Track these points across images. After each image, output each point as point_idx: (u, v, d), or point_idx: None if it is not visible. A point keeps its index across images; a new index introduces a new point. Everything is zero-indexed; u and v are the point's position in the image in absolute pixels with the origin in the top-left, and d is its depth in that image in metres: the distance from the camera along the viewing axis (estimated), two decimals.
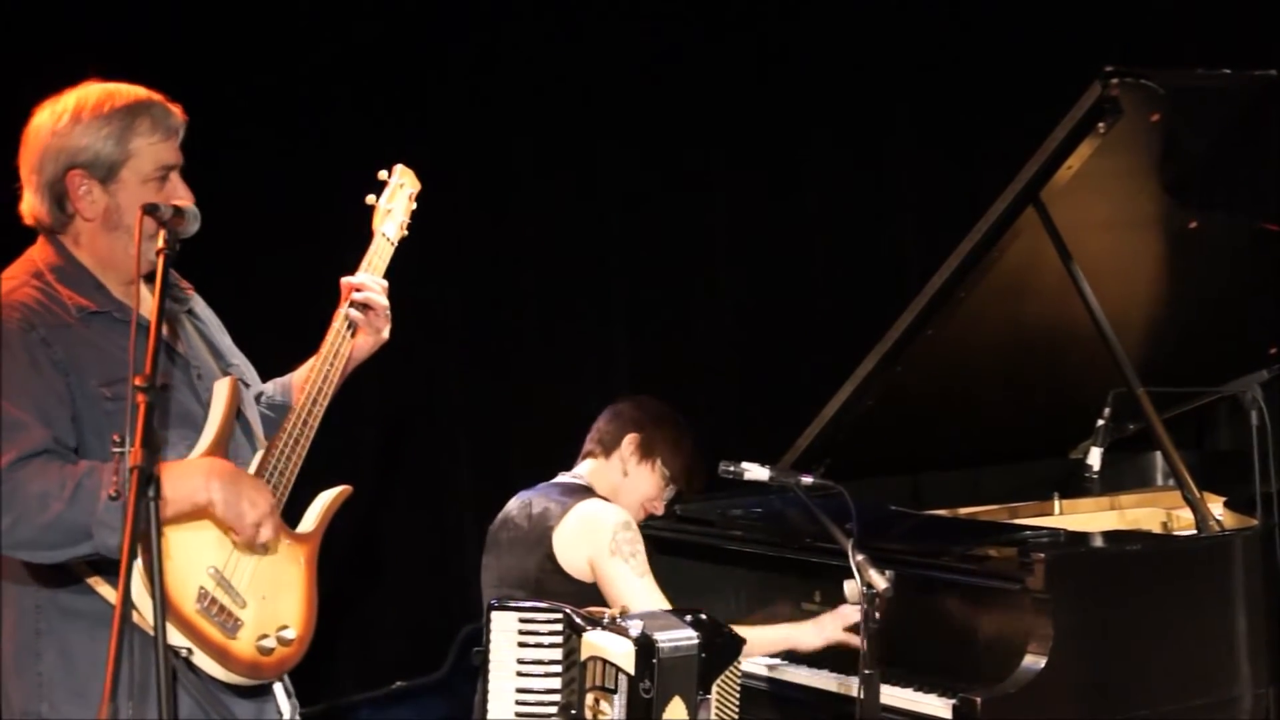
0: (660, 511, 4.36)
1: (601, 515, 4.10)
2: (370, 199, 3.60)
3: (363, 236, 3.57)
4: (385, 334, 3.51)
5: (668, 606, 3.96)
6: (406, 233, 3.62)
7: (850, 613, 3.96)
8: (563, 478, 4.30)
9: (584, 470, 4.29)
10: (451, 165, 3.69)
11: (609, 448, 4.27)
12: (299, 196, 5.43)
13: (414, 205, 3.66)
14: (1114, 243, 4.61)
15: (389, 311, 3.49)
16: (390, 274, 3.53)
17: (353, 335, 3.46)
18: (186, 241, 3.11)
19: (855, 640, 4.00)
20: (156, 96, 3.22)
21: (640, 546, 4.07)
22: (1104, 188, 4.39)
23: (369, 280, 3.47)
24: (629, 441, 4.25)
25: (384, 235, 3.56)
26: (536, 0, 5.95)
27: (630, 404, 4.35)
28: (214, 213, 3.18)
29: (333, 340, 3.42)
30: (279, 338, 3.63)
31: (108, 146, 3.14)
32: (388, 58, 5.67)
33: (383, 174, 3.64)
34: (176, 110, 3.23)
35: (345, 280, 3.48)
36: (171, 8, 5.16)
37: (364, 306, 3.46)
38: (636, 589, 3.99)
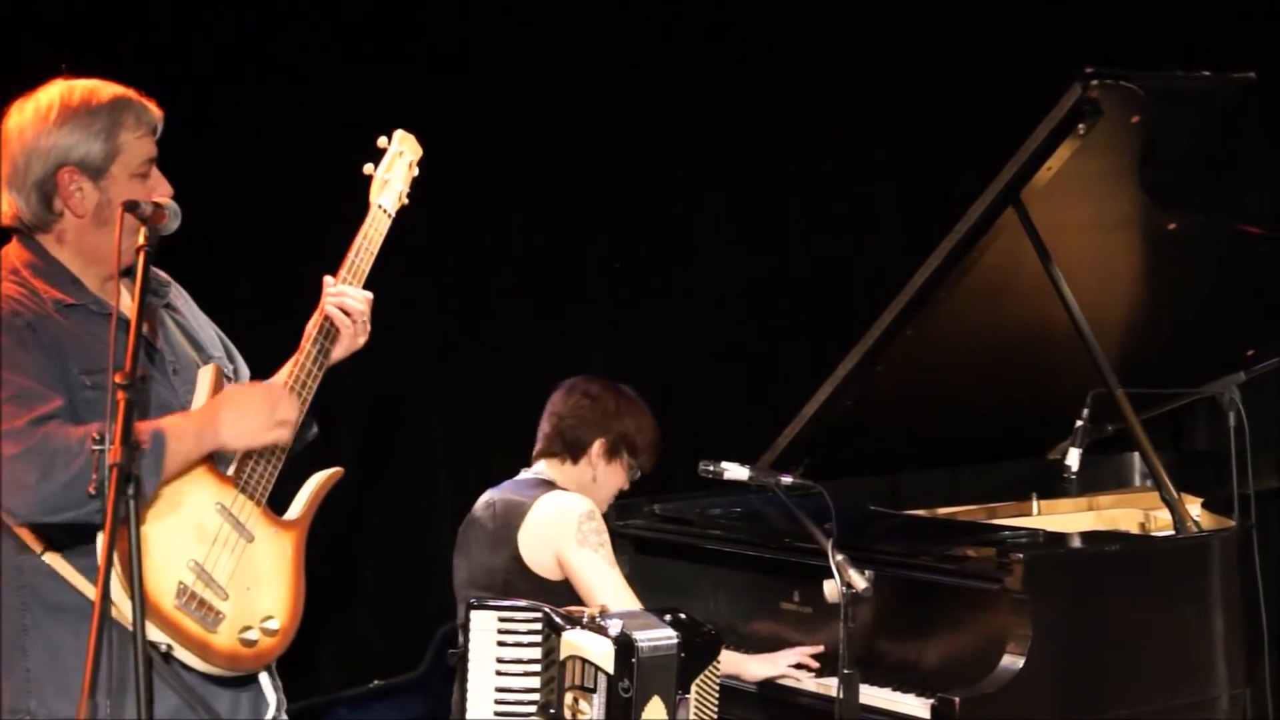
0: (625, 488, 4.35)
1: (565, 506, 4.07)
2: (368, 168, 3.51)
3: (360, 207, 3.49)
4: (361, 341, 3.46)
5: (634, 599, 3.97)
6: (406, 202, 3.53)
7: (800, 655, 4.06)
8: (526, 475, 4.26)
9: (548, 471, 4.24)
10: (432, 154, 3.64)
11: (576, 453, 4.22)
12: (287, 170, 5.42)
13: (415, 173, 3.56)
14: (1093, 244, 4.62)
15: (369, 321, 3.44)
16: (387, 247, 3.45)
17: (331, 343, 3.40)
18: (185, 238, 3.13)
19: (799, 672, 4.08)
20: (132, 92, 3.23)
21: (606, 537, 4.05)
22: (1084, 189, 4.40)
23: (350, 292, 3.40)
24: (597, 446, 4.21)
25: (380, 207, 3.48)
26: None
27: (584, 400, 4.24)
28: (201, 191, 3.16)
29: (310, 348, 3.36)
30: (267, 323, 3.60)
31: (98, 143, 3.14)
32: (375, 34, 5.66)
33: (382, 140, 3.54)
34: (152, 104, 3.23)
35: (328, 286, 3.42)
36: None
37: (343, 311, 3.42)
38: (606, 579, 3.98)
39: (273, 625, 3.19)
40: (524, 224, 5.99)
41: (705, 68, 6.13)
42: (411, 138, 3.60)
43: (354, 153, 3.55)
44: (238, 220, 5.43)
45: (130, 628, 2.86)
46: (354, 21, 5.68)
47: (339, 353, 3.43)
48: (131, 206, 3.04)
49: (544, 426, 4.28)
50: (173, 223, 3.11)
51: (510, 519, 4.10)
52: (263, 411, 3.17)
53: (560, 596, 3.94)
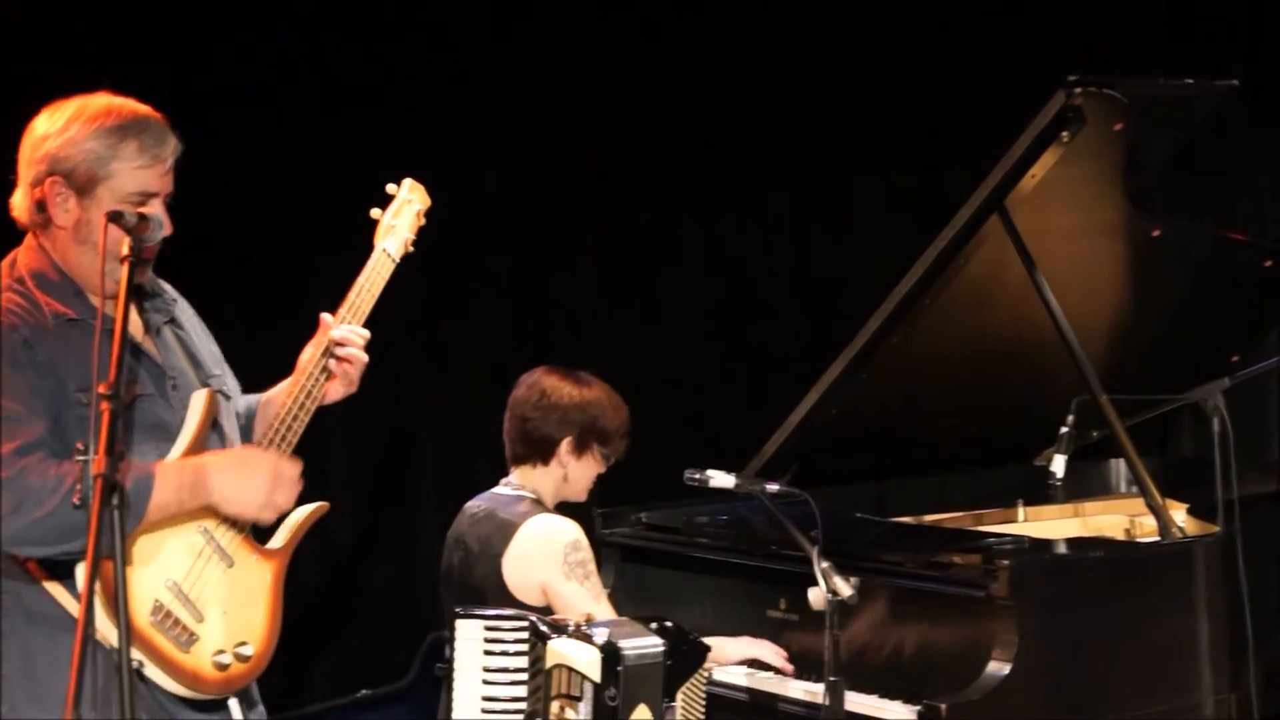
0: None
1: (551, 535, 4.01)
2: (374, 212, 3.57)
3: (365, 247, 3.54)
4: (357, 385, 3.48)
5: None
6: (412, 249, 3.58)
7: (776, 655, 4.06)
8: (505, 489, 4.20)
9: (524, 480, 4.19)
10: (418, 171, 3.67)
11: (545, 454, 4.15)
12: (291, 200, 5.43)
13: (422, 222, 3.62)
14: (1078, 251, 4.63)
15: (366, 363, 3.46)
16: (389, 291, 3.50)
17: (326, 381, 3.42)
18: (173, 246, 3.13)
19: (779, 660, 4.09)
20: (156, 118, 3.21)
21: (593, 566, 4.03)
22: (1068, 196, 4.41)
23: (351, 335, 3.43)
24: (565, 445, 4.14)
25: (385, 251, 3.53)
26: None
27: (539, 398, 4.15)
28: (210, 212, 3.16)
29: (305, 384, 3.38)
30: (268, 345, 3.61)
31: (88, 161, 3.14)
32: (364, 67, 5.68)
33: (391, 187, 3.61)
34: (173, 137, 3.21)
35: (327, 326, 3.44)
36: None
37: (342, 358, 3.43)
38: (593, 612, 3.91)
39: (246, 651, 3.19)
40: (506, 239, 5.99)
41: (689, 75, 6.13)
42: (421, 188, 3.65)
43: (346, 178, 3.59)
44: (247, 240, 5.46)
45: (104, 641, 2.87)
46: (348, 49, 5.72)
47: (336, 395, 3.46)
48: (115, 217, 3.04)
49: (509, 432, 4.21)
50: (156, 233, 3.11)
51: (495, 542, 4.05)
52: (262, 492, 3.16)
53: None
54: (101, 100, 3.19)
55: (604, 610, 3.96)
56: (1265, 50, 5.88)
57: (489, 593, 4.02)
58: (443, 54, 5.85)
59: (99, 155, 3.13)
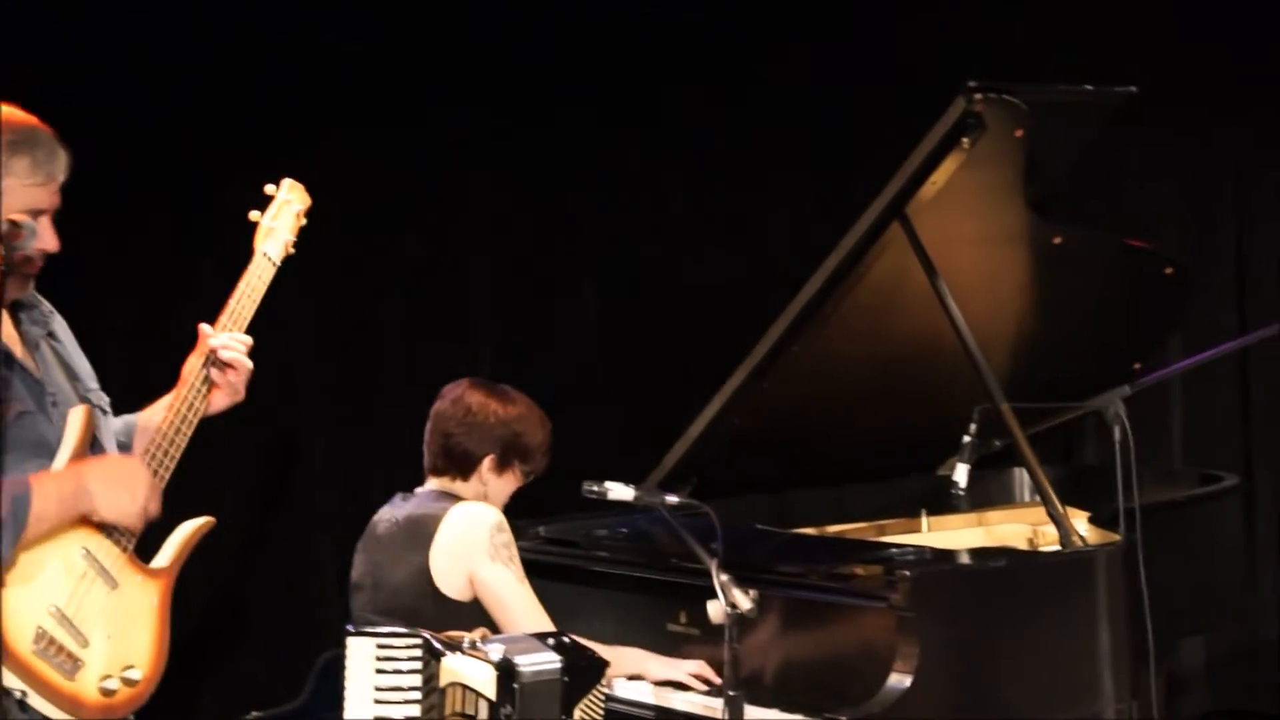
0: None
1: (477, 518, 4.01)
2: (254, 215, 3.51)
3: (245, 252, 3.48)
4: (243, 394, 3.42)
5: (544, 614, 3.95)
6: (293, 251, 3.53)
7: (702, 666, 4.03)
8: (422, 491, 4.19)
9: (442, 487, 4.17)
10: (315, 183, 3.63)
11: (465, 470, 4.15)
12: (165, 210, 5.35)
13: (303, 222, 3.57)
14: (980, 258, 4.63)
15: (251, 371, 3.40)
16: (271, 295, 3.44)
17: (209, 392, 3.36)
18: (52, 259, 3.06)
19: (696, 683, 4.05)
20: (47, 132, 3.13)
21: (515, 550, 4.02)
22: (969, 203, 4.41)
23: (232, 341, 3.37)
24: (487, 462, 4.14)
25: (265, 254, 3.48)
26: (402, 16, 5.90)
27: (463, 414, 4.13)
28: (79, 218, 3.09)
29: (187, 396, 3.32)
30: (146, 359, 3.55)
31: None
32: (266, 73, 5.60)
33: (269, 188, 3.55)
34: (64, 153, 3.14)
35: (207, 336, 3.38)
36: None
37: (225, 365, 3.36)
38: (517, 596, 3.96)
39: (134, 675, 3.13)
40: (403, 251, 5.94)
41: (589, 76, 6.10)
42: (300, 187, 3.59)
43: (223, 179, 3.53)
44: (118, 249, 5.35)
45: None
46: (238, 57, 5.63)
47: (220, 404, 3.41)
48: None
49: (429, 444, 4.19)
50: (29, 241, 3.02)
51: (419, 534, 4.03)
52: (140, 498, 3.13)
53: (464, 619, 3.87)
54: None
55: (528, 593, 3.97)
56: (1164, 58, 5.93)
57: (416, 589, 3.98)
58: (319, 53, 5.78)
59: None
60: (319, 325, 5.77)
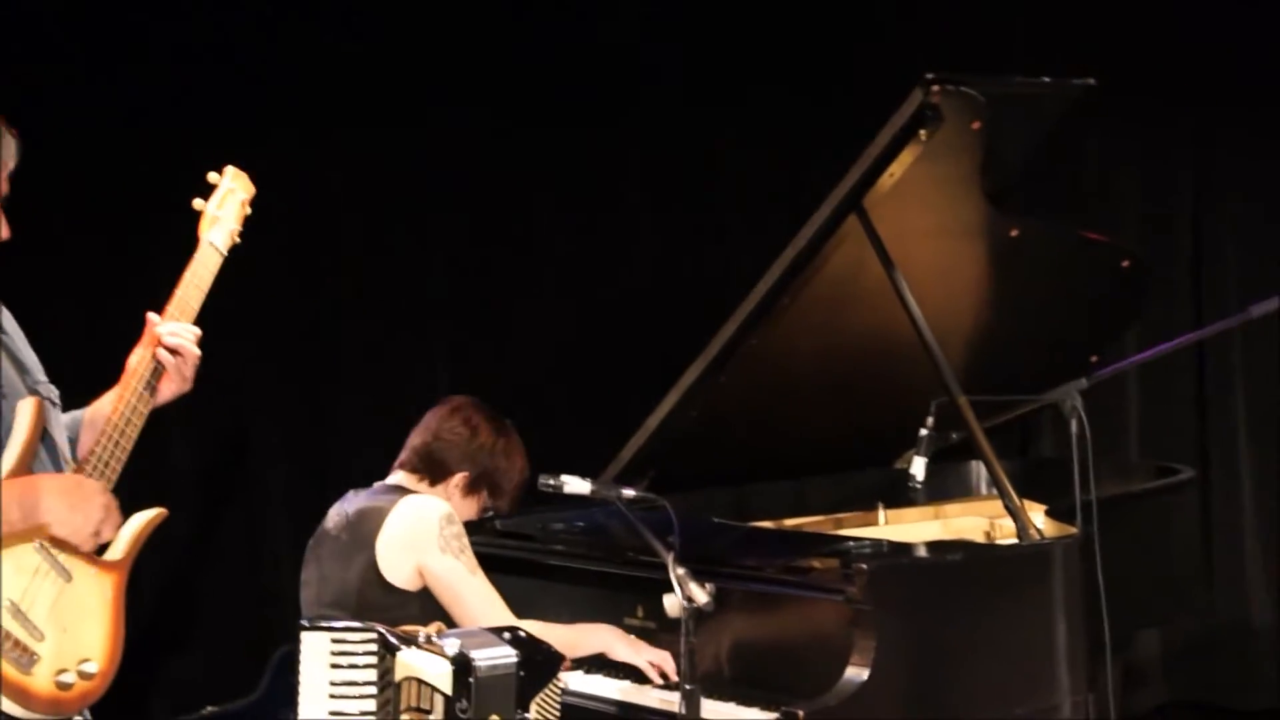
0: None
1: (425, 510, 4.00)
2: (198, 203, 3.46)
3: (191, 241, 3.43)
4: (191, 383, 3.38)
5: (501, 604, 3.93)
6: (239, 240, 3.49)
7: (665, 665, 4.02)
8: (379, 484, 4.18)
9: (404, 482, 4.15)
10: (269, 180, 3.60)
11: (436, 476, 4.14)
12: (116, 196, 5.30)
13: (248, 211, 3.52)
14: (937, 251, 4.62)
15: (199, 359, 3.37)
16: (218, 286, 3.40)
17: (157, 382, 3.32)
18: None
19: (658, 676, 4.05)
20: None
21: (466, 542, 4.00)
22: (926, 195, 4.40)
23: (180, 329, 3.34)
24: (460, 478, 4.14)
25: (210, 244, 3.43)
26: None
27: (464, 429, 4.15)
28: (24, 215, 3.06)
29: (136, 386, 3.28)
30: (92, 351, 3.51)
31: None
32: (223, 64, 5.57)
33: (213, 176, 3.51)
34: (13, 140, 3.10)
35: (154, 324, 3.34)
36: None
37: (173, 352, 3.33)
38: (470, 587, 3.94)
39: (90, 668, 3.09)
40: (360, 250, 5.91)
41: (544, 72, 6.09)
42: (244, 175, 3.55)
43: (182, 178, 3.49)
44: (62, 242, 5.30)
45: None
46: (194, 53, 5.61)
47: (168, 394, 3.36)
48: None
49: (413, 439, 4.19)
50: None
51: (367, 527, 4.00)
52: (94, 521, 3.10)
53: (414, 608, 3.88)
54: None
55: (483, 585, 3.95)
56: (1125, 50, 5.95)
57: (362, 580, 3.96)
58: (267, 43, 5.75)
59: None
60: (275, 317, 5.74)
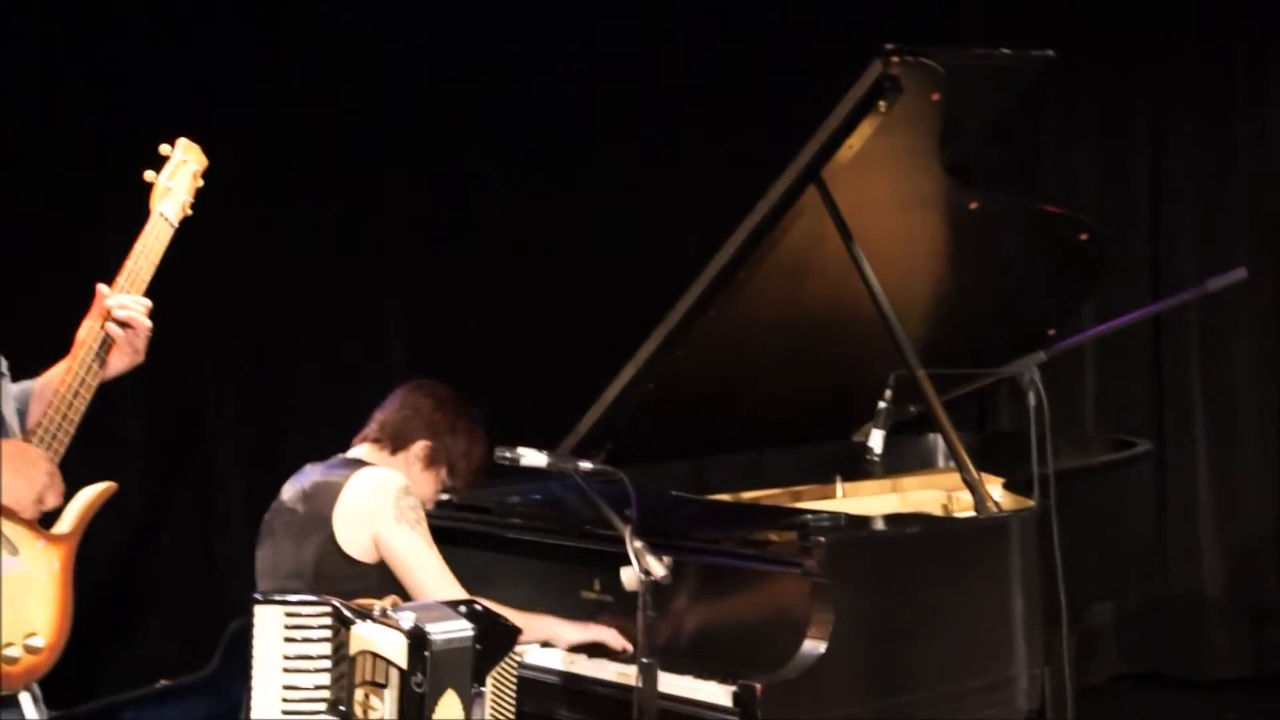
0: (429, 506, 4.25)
1: (382, 481, 3.97)
2: (149, 175, 3.44)
3: (142, 213, 3.41)
4: (143, 355, 3.35)
5: (453, 579, 3.91)
6: (190, 212, 3.47)
7: (616, 638, 4.00)
8: (336, 458, 4.15)
9: (365, 454, 4.13)
10: (222, 155, 3.57)
11: (398, 445, 4.12)
12: (64, 168, 5.24)
13: (200, 183, 3.51)
14: (896, 223, 4.61)
15: (150, 331, 3.33)
16: (169, 257, 3.38)
17: (107, 354, 3.29)
18: None
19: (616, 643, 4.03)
20: None
21: (422, 514, 3.98)
22: (886, 167, 4.39)
23: (130, 301, 3.30)
24: (420, 447, 4.12)
25: (162, 215, 3.41)
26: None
27: (429, 400, 4.16)
28: None
29: (85, 358, 3.25)
30: (40, 322, 3.47)
31: None
32: (177, 35, 5.52)
33: (164, 148, 3.49)
34: None
35: (104, 296, 3.30)
36: None
37: (124, 325, 3.29)
38: (424, 559, 3.91)
39: (37, 642, 3.08)
40: (313, 224, 5.86)
41: (505, 49, 6.05)
42: (196, 147, 3.53)
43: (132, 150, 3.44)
44: (10, 213, 5.24)
45: None
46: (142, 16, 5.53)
47: (119, 366, 3.33)
48: None
49: (378, 414, 4.18)
50: None
51: (323, 499, 3.97)
52: (37, 487, 3.09)
53: (373, 580, 3.86)
54: None
55: (436, 558, 3.93)
56: (1086, 22, 5.95)
57: (319, 552, 3.93)
58: (223, 10, 5.70)
59: None
60: (228, 289, 5.70)
